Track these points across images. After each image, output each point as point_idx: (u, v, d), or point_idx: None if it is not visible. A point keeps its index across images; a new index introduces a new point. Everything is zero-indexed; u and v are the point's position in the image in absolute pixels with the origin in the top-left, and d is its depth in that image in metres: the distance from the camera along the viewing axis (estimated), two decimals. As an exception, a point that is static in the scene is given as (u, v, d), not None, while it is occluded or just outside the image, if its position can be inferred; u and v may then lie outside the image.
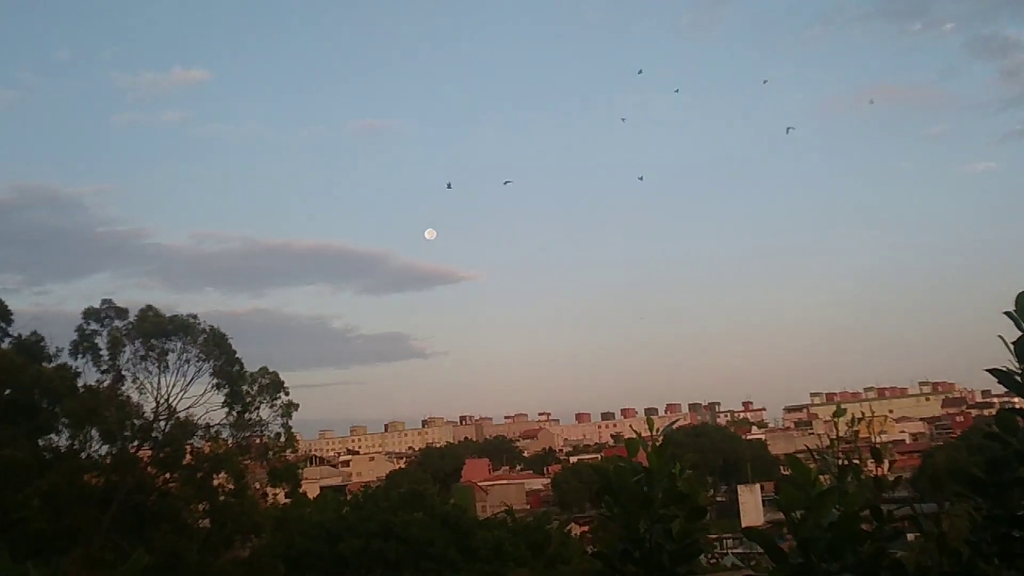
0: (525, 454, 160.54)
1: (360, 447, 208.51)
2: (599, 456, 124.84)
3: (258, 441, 37.11)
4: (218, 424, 36.42)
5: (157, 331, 35.95)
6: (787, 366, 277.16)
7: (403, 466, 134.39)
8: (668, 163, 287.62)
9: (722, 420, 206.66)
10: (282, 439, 37.29)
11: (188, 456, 36.00)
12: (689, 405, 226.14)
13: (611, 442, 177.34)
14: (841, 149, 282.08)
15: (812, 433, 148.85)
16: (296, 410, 38.54)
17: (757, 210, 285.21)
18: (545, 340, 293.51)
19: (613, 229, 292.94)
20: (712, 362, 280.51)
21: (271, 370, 37.71)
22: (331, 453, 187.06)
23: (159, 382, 35.71)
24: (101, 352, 35.60)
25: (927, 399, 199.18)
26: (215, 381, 36.37)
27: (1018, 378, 3.47)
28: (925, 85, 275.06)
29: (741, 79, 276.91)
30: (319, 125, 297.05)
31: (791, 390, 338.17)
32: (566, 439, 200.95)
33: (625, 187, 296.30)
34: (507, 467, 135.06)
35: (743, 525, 72.34)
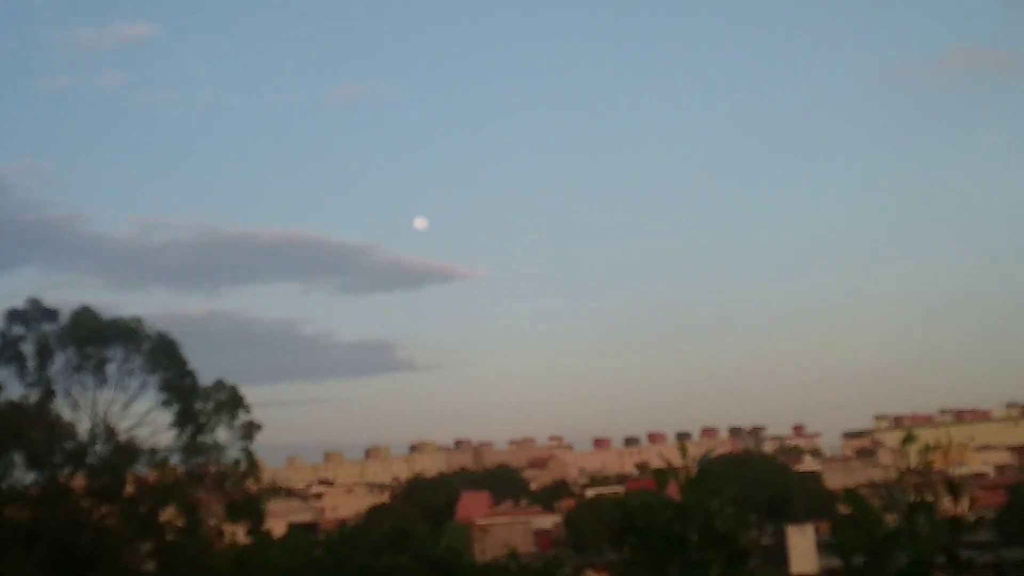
0: (532, 486, 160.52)
1: (335, 476, 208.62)
2: (621, 489, 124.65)
3: (214, 469, 37.09)
4: (166, 448, 36.45)
5: (94, 337, 36.00)
6: (847, 383, 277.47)
7: (387, 500, 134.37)
8: (707, 144, 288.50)
9: (768, 447, 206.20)
10: (242, 466, 37.26)
11: (130, 486, 36.04)
12: (729, 429, 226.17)
13: (636, 473, 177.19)
14: (918, 125, 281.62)
15: (877, 464, 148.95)
16: (259, 432, 38.54)
17: (813, 199, 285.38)
18: (558, 351, 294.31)
19: (642, 221, 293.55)
20: (757, 378, 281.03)
21: (229, 384, 37.72)
22: (301, 483, 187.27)
23: (96, 397, 35.84)
24: (27, 361, 35.69)
25: (1015, 424, 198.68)
26: (163, 397, 36.39)
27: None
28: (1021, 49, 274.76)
29: (794, 43, 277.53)
30: (290, 91, 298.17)
31: (851, 412, 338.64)
32: (582, 469, 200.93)
33: (658, 172, 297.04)
34: (511, 501, 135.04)
35: (793, 572, 72.42)
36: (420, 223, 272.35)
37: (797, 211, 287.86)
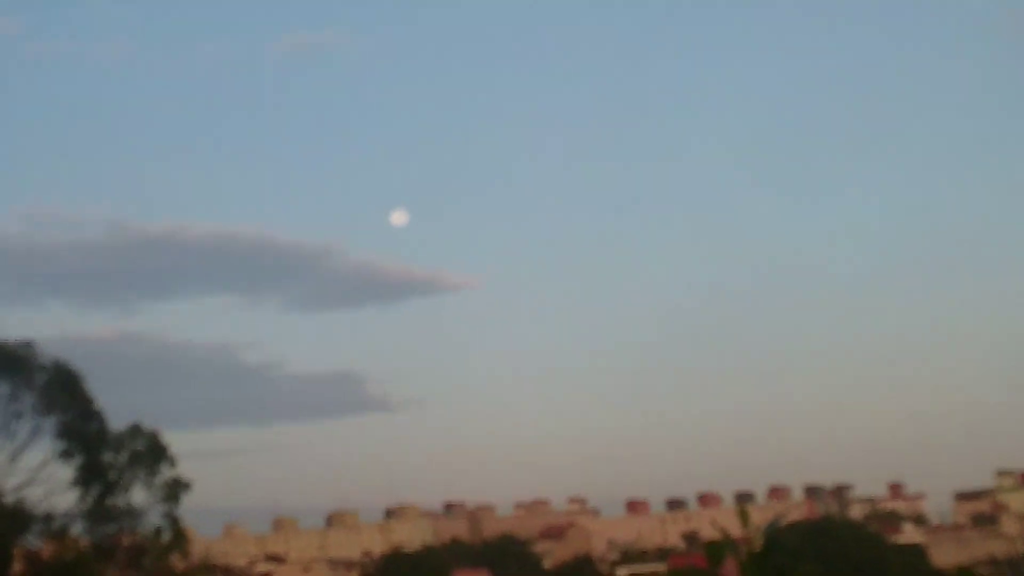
0: (547, 563, 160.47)
1: (288, 550, 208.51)
2: (663, 568, 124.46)
3: (128, 540, 37.02)
4: (65, 514, 36.38)
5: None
6: (960, 431, 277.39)
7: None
8: (763, 121, 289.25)
9: (857, 512, 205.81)
10: (165, 537, 37.19)
11: (19, 564, 36.02)
12: (805, 489, 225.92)
13: (682, 546, 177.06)
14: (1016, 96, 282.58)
15: (999, 534, 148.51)
16: (188, 492, 38.40)
17: (906, 187, 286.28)
18: (578, 387, 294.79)
19: (683, 216, 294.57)
20: (840, 424, 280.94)
21: (148, 429, 37.66)
22: (243, 559, 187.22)
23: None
24: None
25: None
26: (61, 446, 36.36)
27: None
28: None
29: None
30: (224, 43, 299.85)
31: (965, 467, 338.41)
32: (611, 540, 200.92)
33: (695, 153, 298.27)
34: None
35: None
36: (398, 218, 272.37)
37: (886, 206, 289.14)
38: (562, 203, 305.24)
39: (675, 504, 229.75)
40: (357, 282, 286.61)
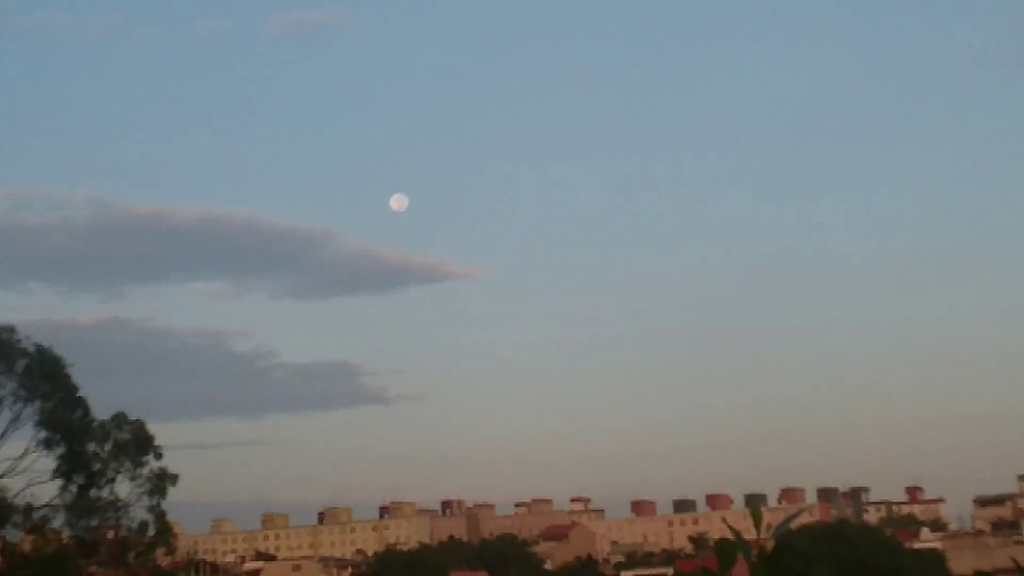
0: (549, 564, 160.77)
1: (278, 548, 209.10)
2: (669, 571, 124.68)
3: (111, 535, 37.08)
4: (47, 506, 36.43)
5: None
6: (980, 433, 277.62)
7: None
8: (780, 117, 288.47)
9: (872, 516, 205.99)
10: (151, 531, 37.25)
11: (-3, 556, 36.10)
12: (818, 491, 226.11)
13: (689, 548, 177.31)
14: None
15: (1021, 540, 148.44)
16: (174, 485, 38.48)
17: (927, 185, 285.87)
18: (584, 382, 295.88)
19: (701, 208, 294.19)
20: (856, 425, 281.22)
21: (134, 419, 37.69)
22: (231, 556, 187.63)
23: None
24: None
25: None
26: (43, 435, 36.41)
27: None
28: None
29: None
30: (217, 19, 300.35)
31: (986, 471, 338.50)
32: (615, 542, 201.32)
33: (714, 144, 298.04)
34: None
35: None
36: (397, 202, 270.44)
37: (908, 201, 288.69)
38: (568, 194, 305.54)
39: (683, 505, 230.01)
40: (353, 269, 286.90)
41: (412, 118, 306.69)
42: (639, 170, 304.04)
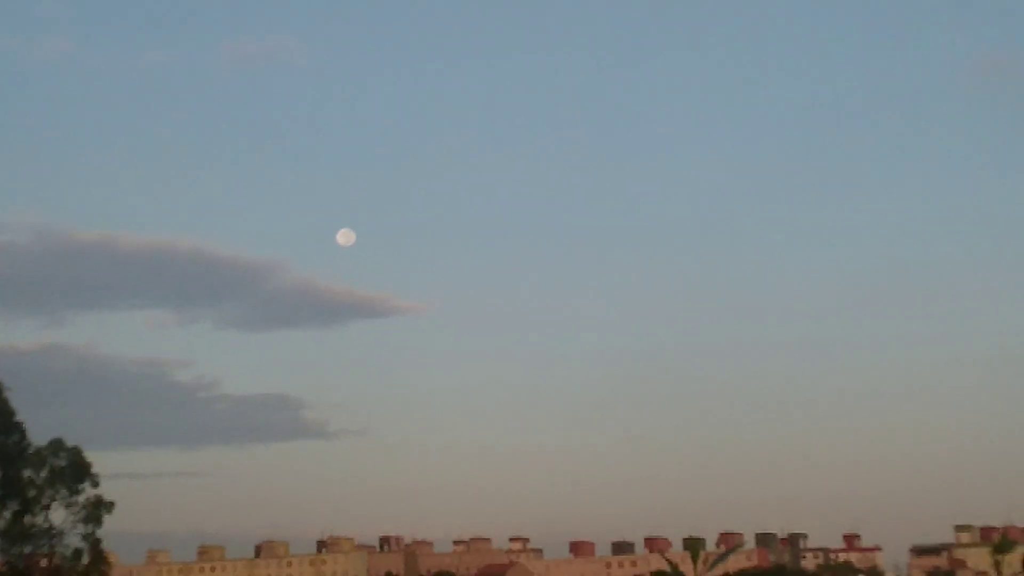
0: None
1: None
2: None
3: (45, 563, 36.74)
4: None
5: None
6: (917, 483, 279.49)
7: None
8: (741, 149, 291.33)
9: (809, 562, 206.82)
10: (84, 560, 36.92)
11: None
12: (756, 536, 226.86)
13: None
14: (1010, 129, 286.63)
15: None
16: (110, 513, 38.17)
17: (878, 224, 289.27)
18: (525, 421, 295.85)
19: (645, 242, 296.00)
20: (795, 471, 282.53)
21: (70, 446, 37.39)
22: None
23: None
24: None
25: None
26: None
27: None
28: None
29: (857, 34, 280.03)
30: (169, 47, 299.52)
31: (923, 520, 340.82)
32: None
33: (664, 174, 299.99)
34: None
35: None
36: (344, 237, 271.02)
37: (860, 241, 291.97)
38: (513, 230, 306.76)
39: (621, 547, 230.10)
40: (298, 302, 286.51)
41: (361, 153, 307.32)
42: (581, 204, 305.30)
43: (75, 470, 37.43)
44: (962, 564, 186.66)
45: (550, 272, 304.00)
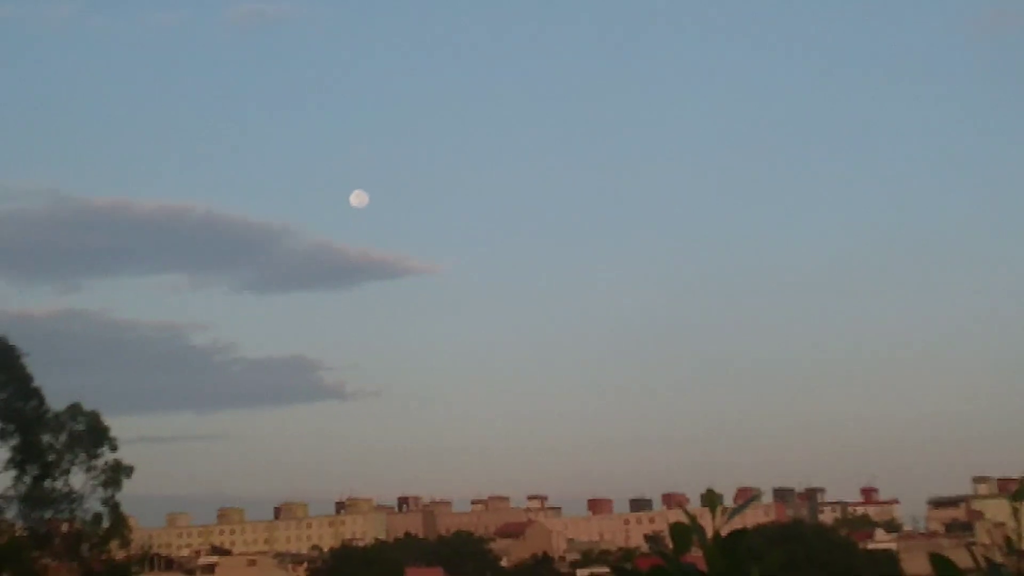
0: (504, 562, 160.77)
1: (233, 542, 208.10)
2: (627, 566, 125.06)
3: (65, 527, 36.82)
4: (0, 496, 36.13)
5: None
6: (935, 436, 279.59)
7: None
8: (748, 118, 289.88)
9: (827, 516, 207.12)
10: (104, 524, 37.00)
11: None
12: (774, 491, 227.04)
13: (644, 547, 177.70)
14: (1001, 92, 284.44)
15: (974, 542, 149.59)
16: (129, 477, 38.27)
17: (896, 180, 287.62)
18: (543, 381, 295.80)
19: (662, 205, 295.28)
20: (813, 426, 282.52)
21: (89, 410, 37.42)
22: (185, 550, 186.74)
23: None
24: None
25: None
26: (-3, 425, 36.06)
27: None
28: None
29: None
30: (176, 9, 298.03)
31: (940, 473, 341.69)
32: (571, 540, 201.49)
33: (684, 139, 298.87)
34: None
35: None
36: (357, 198, 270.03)
37: (866, 206, 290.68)
38: (530, 189, 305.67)
39: (639, 504, 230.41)
40: (313, 263, 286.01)
41: (374, 113, 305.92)
42: (598, 172, 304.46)
43: (93, 434, 37.43)
44: (980, 515, 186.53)
45: (566, 229, 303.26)
